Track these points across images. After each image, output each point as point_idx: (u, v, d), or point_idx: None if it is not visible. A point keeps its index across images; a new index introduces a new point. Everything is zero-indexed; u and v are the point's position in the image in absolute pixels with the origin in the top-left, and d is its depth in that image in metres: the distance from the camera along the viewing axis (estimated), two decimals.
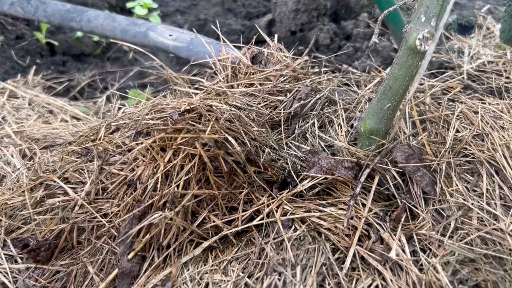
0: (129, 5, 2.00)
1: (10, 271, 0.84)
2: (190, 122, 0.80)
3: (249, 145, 0.82)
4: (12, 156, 1.01)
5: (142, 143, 0.81)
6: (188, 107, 0.84)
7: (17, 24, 1.89)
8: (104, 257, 0.81)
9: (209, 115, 0.79)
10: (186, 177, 0.79)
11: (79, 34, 1.83)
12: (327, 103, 1.06)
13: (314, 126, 1.00)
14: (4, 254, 0.86)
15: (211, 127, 0.77)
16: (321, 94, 1.02)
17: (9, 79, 1.50)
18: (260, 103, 0.96)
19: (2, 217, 0.91)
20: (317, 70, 1.22)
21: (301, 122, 1.00)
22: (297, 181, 0.88)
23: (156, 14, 1.98)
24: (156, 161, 0.82)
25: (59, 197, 0.87)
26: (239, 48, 1.23)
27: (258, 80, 1.02)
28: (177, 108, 0.83)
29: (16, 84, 1.44)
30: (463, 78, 1.26)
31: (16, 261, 0.86)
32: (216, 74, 1.15)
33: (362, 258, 0.78)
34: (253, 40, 1.21)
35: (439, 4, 0.78)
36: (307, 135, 0.99)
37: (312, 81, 1.05)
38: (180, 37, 1.31)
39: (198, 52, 1.25)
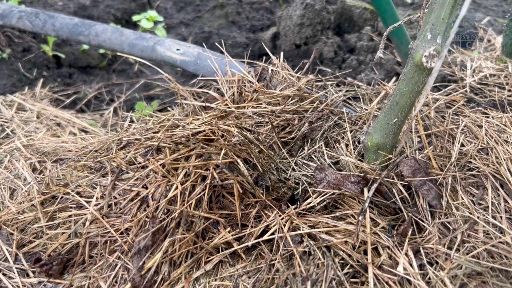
0: (135, 18, 2.02)
1: (23, 285, 0.84)
2: (202, 144, 0.81)
3: (259, 168, 0.84)
4: (22, 169, 1.02)
5: (156, 161, 0.83)
6: (201, 129, 0.86)
7: (24, 37, 1.91)
8: (117, 273, 0.82)
9: (222, 136, 0.81)
10: (198, 197, 0.81)
11: (85, 46, 1.84)
12: (334, 121, 1.08)
13: (321, 144, 1.01)
14: (16, 268, 0.87)
15: (224, 150, 0.79)
16: (331, 122, 1.04)
17: (17, 92, 1.51)
18: (268, 123, 0.98)
19: (13, 231, 0.92)
20: (322, 83, 1.24)
21: (310, 142, 1.02)
22: (305, 197, 0.90)
23: (161, 26, 2.00)
24: (167, 179, 0.83)
25: (71, 211, 0.88)
26: (244, 62, 1.24)
27: (265, 100, 1.04)
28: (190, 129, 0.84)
29: (24, 96, 1.45)
30: (466, 91, 1.27)
31: (28, 275, 0.87)
32: (222, 90, 1.16)
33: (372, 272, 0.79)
34: (263, 59, 1.23)
35: (445, 22, 0.80)
36: (315, 154, 1.00)
37: (326, 106, 1.06)
38: (188, 51, 1.33)
39: (206, 67, 1.27)
